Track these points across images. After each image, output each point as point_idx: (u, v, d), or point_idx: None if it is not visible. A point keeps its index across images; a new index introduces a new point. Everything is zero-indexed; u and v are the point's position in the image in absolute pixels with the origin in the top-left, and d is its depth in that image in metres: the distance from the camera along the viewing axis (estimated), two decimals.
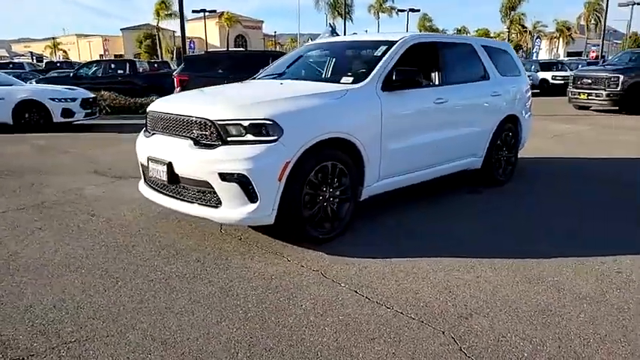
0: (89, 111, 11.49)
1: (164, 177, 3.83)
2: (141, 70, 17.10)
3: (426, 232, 4.29)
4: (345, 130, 3.93)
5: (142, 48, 62.80)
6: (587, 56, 50.19)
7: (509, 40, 65.14)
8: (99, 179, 6.25)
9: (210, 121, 3.61)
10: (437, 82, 4.97)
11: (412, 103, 4.56)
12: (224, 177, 3.52)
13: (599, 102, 14.53)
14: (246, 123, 3.54)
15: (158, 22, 53.31)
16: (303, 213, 3.75)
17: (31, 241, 4.04)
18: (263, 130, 3.53)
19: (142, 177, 4.46)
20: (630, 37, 68.22)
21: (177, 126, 3.86)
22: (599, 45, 42.29)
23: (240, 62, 11.50)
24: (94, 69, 16.83)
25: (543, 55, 64.97)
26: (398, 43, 4.64)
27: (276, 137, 3.52)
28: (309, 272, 3.42)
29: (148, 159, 4.01)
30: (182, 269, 3.48)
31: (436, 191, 5.47)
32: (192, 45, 39.84)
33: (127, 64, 16.33)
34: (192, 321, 2.79)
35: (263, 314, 2.85)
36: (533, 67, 25.58)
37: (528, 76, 21.06)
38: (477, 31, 71.31)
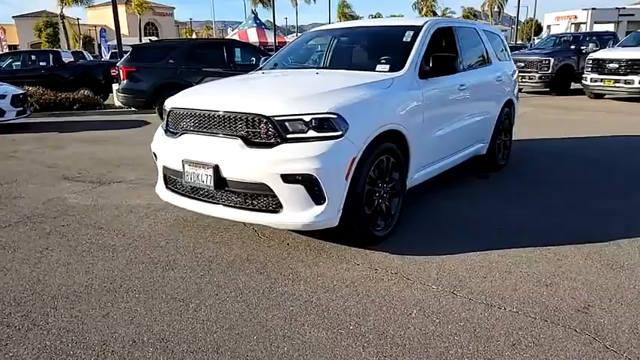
0: (21, 109, 10.25)
1: (209, 182, 3.41)
2: (67, 62, 15.58)
3: (470, 221, 4.21)
4: (398, 121, 3.73)
5: (43, 37, 57.51)
6: None
7: None
8: (76, 186, 5.55)
9: (266, 117, 3.25)
10: (458, 68, 4.88)
11: (444, 90, 4.44)
12: (287, 179, 3.19)
13: (532, 84, 15.40)
14: (308, 118, 3.22)
15: (62, 9, 49.01)
16: (366, 212, 3.52)
17: (46, 264, 3.45)
18: (328, 125, 3.23)
19: (163, 182, 3.96)
20: (527, 23, 73.40)
21: (218, 124, 3.44)
22: (506, 31, 45.12)
23: (193, 52, 10.79)
24: (9, 61, 15.07)
25: None
26: (424, 28, 4.48)
27: (341, 132, 3.24)
28: (390, 275, 3.20)
29: (184, 162, 3.55)
30: (249, 283, 3.12)
31: (447, 180, 5.41)
32: (103, 34, 36.97)
33: (51, 55, 14.76)
34: (305, 342, 2.48)
35: (381, 328, 2.60)
36: None
37: None
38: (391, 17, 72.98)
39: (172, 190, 3.88)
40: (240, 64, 11.07)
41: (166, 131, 3.87)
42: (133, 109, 11.57)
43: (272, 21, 32.29)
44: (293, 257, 3.49)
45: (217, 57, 10.68)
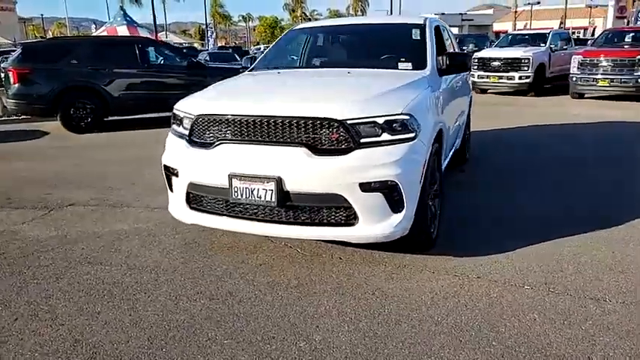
0: None
1: (269, 197, 2.97)
2: None
3: (489, 214, 4.25)
4: (442, 119, 3.63)
5: None
6: None
7: None
8: (18, 215, 4.57)
9: (338, 121, 2.92)
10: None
11: (450, 86, 4.44)
12: (365, 187, 2.90)
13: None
14: (381, 120, 2.96)
15: None
16: (428, 215, 3.36)
17: (69, 321, 2.73)
18: (402, 126, 3.00)
19: (185, 201, 3.38)
20: None
21: (275, 131, 3.01)
22: None
23: (100, 51, 9.56)
24: None
25: None
26: (427, 25, 4.42)
27: (415, 134, 3.03)
28: (476, 280, 3.08)
29: (231, 177, 3.04)
30: (343, 308, 2.77)
31: None
32: None
33: None
34: None
35: (521, 339, 2.45)
36: None
37: None
38: (260, 19, 73.12)
39: (201, 210, 3.33)
40: (157, 65, 10.15)
41: (191, 142, 3.30)
42: (23, 116, 9.97)
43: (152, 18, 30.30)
44: (360, 273, 3.19)
45: (129, 56, 9.62)
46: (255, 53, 27.76)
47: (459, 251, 3.47)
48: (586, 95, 13.09)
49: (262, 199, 2.99)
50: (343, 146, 2.93)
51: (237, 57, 23.76)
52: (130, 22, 30.34)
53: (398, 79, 3.56)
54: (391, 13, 36.95)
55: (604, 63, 12.47)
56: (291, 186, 2.94)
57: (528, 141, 7.66)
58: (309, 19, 68.33)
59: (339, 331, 2.55)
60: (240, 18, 78.28)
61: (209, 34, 47.15)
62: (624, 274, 3.13)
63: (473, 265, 3.27)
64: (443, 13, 67.96)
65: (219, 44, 51.02)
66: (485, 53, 15.12)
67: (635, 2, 50.15)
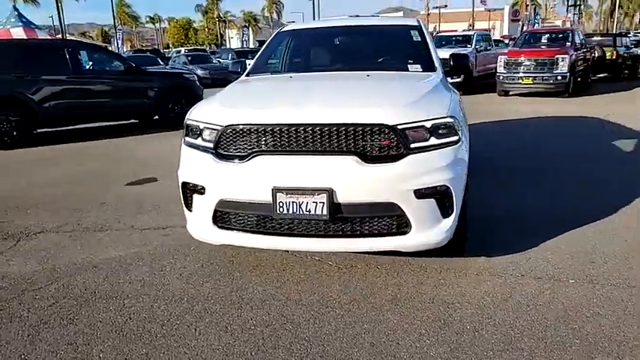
0: None
1: (320, 210, 2.78)
2: None
3: (498, 212, 4.33)
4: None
5: None
6: None
7: (208, 29, 67.02)
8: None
9: (389, 126, 2.80)
10: None
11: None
12: (420, 194, 2.81)
13: None
14: (429, 124, 2.88)
15: None
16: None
17: None
18: (448, 130, 2.94)
19: (212, 220, 3.09)
20: None
21: (321, 139, 2.82)
22: None
23: (24, 56, 8.62)
24: None
25: (235, 45, 69.20)
26: (423, 27, 4.44)
27: (458, 137, 2.99)
28: (521, 279, 3.09)
29: (276, 191, 2.82)
30: (427, 326, 2.65)
31: None
32: None
33: None
34: None
35: (596, 339, 2.48)
36: (230, 55, 25.01)
37: (227, 65, 21.08)
38: (175, 21, 70.63)
39: (232, 229, 3.06)
40: (91, 71, 9.36)
41: (219, 155, 3.01)
42: None
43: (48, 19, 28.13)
44: (408, 282, 3.10)
45: (58, 61, 8.77)
46: (176, 57, 26.66)
47: (487, 251, 3.47)
48: (511, 92, 13.95)
49: (312, 212, 2.80)
50: (394, 152, 2.82)
51: (160, 61, 22.69)
52: (27, 24, 28.15)
53: (421, 82, 3.52)
54: (315, 17, 37.21)
55: (527, 62, 13.36)
56: (342, 197, 2.77)
57: (509, 136, 8.02)
58: (224, 21, 67.06)
59: (423, 346, 2.44)
60: (148, 19, 75.07)
61: (118, 35, 44.73)
62: None
63: (509, 264, 3.29)
64: (357, 16, 70.04)
65: (126, 48, 48.56)
66: None
67: (527, 7, 54.72)
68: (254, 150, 2.92)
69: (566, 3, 49.29)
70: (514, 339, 2.47)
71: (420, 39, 4.25)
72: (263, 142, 2.90)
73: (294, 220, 2.87)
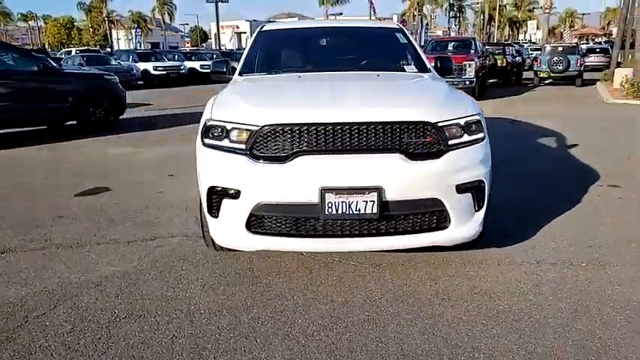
0: None
1: (371, 209, 2.77)
2: None
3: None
4: None
5: None
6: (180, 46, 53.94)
7: (93, 29, 62.51)
8: None
9: (431, 124, 2.87)
10: None
11: None
12: (461, 189, 2.93)
13: None
14: (463, 122, 3.00)
15: None
16: None
17: None
18: (477, 127, 3.08)
19: (245, 225, 2.92)
20: (193, 31, 77.13)
21: (365, 138, 2.80)
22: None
23: None
24: None
25: (123, 46, 65.38)
26: (405, 30, 4.58)
27: (484, 134, 3.14)
28: (541, 266, 3.31)
29: (324, 191, 2.74)
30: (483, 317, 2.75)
31: None
32: None
33: None
34: None
35: None
36: (131, 57, 24.07)
37: (129, 67, 20.42)
38: (54, 19, 64.98)
39: (269, 233, 2.92)
40: None
41: (255, 156, 2.86)
42: None
43: None
44: (439, 277, 3.18)
45: None
46: (68, 59, 24.58)
47: (496, 241, 3.66)
48: None
49: (362, 211, 2.78)
50: (434, 150, 2.89)
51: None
52: None
53: (434, 82, 3.64)
54: (217, 20, 36.27)
55: None
56: (390, 195, 2.79)
57: None
58: (112, 21, 63.01)
59: (493, 335, 2.53)
60: (20, 16, 68.32)
61: None
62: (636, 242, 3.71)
63: (521, 252, 3.52)
64: (255, 20, 69.63)
65: None
66: None
67: (415, 17, 58.31)
68: (296, 150, 2.82)
69: (447, 15, 53.42)
70: (568, 321, 2.65)
71: (406, 41, 4.39)
72: (306, 142, 2.81)
73: (342, 220, 2.82)
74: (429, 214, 2.92)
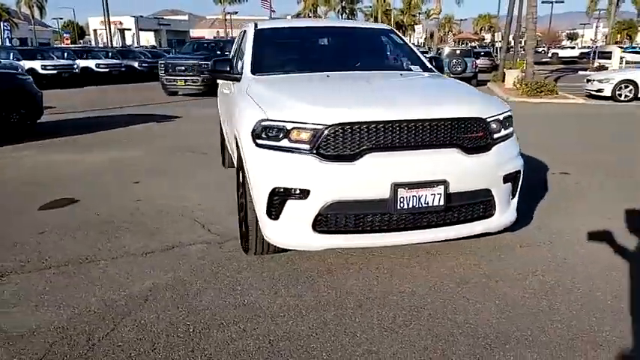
0: None
1: (437, 201, 2.93)
2: None
3: None
4: None
5: None
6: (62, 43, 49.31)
7: None
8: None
9: (482, 119, 3.11)
10: None
11: None
12: (506, 179, 3.20)
13: (196, 87, 16.10)
14: (501, 117, 3.27)
15: None
16: None
17: None
18: (509, 122, 3.36)
19: (313, 225, 2.92)
20: (67, 26, 71.23)
21: (428, 134, 2.95)
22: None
23: None
24: None
25: None
26: (394, 30, 4.79)
27: (513, 128, 3.44)
28: (558, 247, 3.69)
29: (396, 187, 2.84)
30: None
31: None
32: None
33: None
34: None
35: None
36: (12, 54, 21.66)
37: (13, 66, 19.19)
38: None
39: (337, 232, 2.95)
40: None
41: (322, 156, 2.86)
42: None
43: None
44: (481, 264, 3.42)
45: None
46: None
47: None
48: None
49: (430, 204, 2.92)
50: (484, 143, 3.12)
51: None
52: None
53: (452, 80, 3.90)
54: (105, 14, 33.71)
55: None
56: (453, 187, 2.97)
57: None
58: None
59: (561, 310, 2.80)
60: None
61: None
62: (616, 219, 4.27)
63: (529, 235, 3.89)
64: (141, 16, 66.07)
65: None
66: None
67: (309, 18, 59.09)
68: (364, 148, 2.88)
69: (340, 17, 55.13)
70: (620, 293, 3.00)
71: (401, 41, 4.58)
72: (374, 140, 2.88)
73: (412, 214, 2.93)
74: (481, 203, 3.15)
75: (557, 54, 48.64)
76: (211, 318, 2.73)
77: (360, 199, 2.88)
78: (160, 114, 11.86)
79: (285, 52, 4.48)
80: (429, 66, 4.33)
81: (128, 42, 62.71)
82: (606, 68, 26.26)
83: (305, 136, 2.89)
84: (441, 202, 2.93)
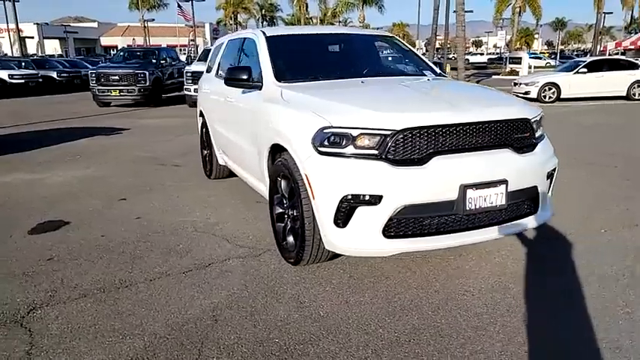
0: None
1: (501, 200, 3.04)
2: None
3: None
4: None
5: None
6: None
7: None
8: None
9: (529, 120, 3.28)
10: None
11: None
12: (548, 175, 3.39)
13: (132, 97, 15.34)
14: (538, 118, 3.45)
15: None
16: None
17: None
18: (542, 123, 3.57)
19: (383, 230, 2.92)
20: None
21: (487, 136, 3.05)
22: None
23: None
24: None
25: None
26: (396, 37, 4.91)
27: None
28: (595, 233, 4.05)
29: (465, 188, 2.90)
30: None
31: None
32: None
33: None
34: None
35: None
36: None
37: None
38: None
39: (407, 235, 2.96)
40: None
41: (391, 161, 2.87)
42: None
43: None
44: (518, 259, 3.59)
45: None
46: None
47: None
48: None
49: (494, 203, 3.02)
50: (530, 143, 3.29)
51: None
52: None
53: (477, 85, 4.02)
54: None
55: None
56: (511, 186, 3.09)
57: None
58: None
59: (612, 289, 3.02)
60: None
61: None
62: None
63: (570, 224, 4.16)
64: (46, 24, 61.48)
65: None
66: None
67: (229, 25, 58.47)
68: (430, 151, 2.92)
69: (261, 25, 55.05)
70: None
71: (407, 49, 4.70)
72: (440, 143, 2.94)
73: (479, 213, 3.02)
74: (530, 200, 3.31)
75: (468, 60, 51.86)
76: (298, 333, 2.64)
77: (430, 201, 2.91)
78: (102, 126, 11.19)
79: (303, 58, 4.40)
80: (438, 71, 4.48)
81: (31, 51, 58.22)
82: (517, 73, 28.50)
83: (372, 142, 2.88)
84: (503, 201, 3.04)
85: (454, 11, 18.90)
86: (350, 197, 2.87)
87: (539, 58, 51.11)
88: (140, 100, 15.47)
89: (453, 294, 3.05)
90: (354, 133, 2.90)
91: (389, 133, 2.87)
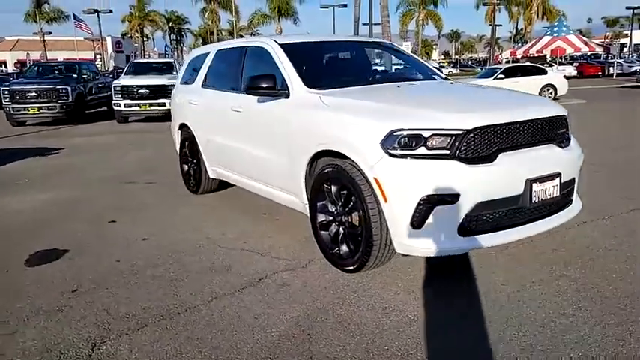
0: None
1: (557, 192, 3.23)
2: None
3: None
4: None
5: None
6: None
7: None
8: None
9: (565, 117, 3.52)
10: None
11: None
12: (580, 169, 3.65)
13: (53, 114, 14.14)
14: (565, 114, 3.70)
15: None
16: None
17: None
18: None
19: (458, 228, 2.98)
20: None
21: (539, 132, 3.24)
22: None
23: None
24: None
25: None
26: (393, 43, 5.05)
27: None
28: (626, 214, 4.38)
29: (531, 182, 3.04)
30: None
31: None
32: None
33: None
34: None
35: None
36: None
37: None
38: None
39: (477, 232, 3.03)
40: None
41: (464, 160, 2.94)
42: None
43: None
44: (568, 241, 3.81)
45: None
46: None
47: None
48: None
49: (552, 195, 3.20)
50: (566, 138, 3.53)
51: None
52: None
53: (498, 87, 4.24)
54: None
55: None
56: (562, 178, 3.29)
57: None
58: None
59: None
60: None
61: None
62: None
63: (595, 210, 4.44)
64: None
65: None
66: (128, 81, 14.46)
67: (135, 38, 55.91)
68: (496, 149, 3.04)
69: (168, 37, 53.40)
70: None
71: (408, 54, 4.83)
72: (503, 141, 3.07)
73: (541, 205, 3.18)
74: (569, 191, 3.53)
75: None
76: (402, 337, 2.60)
77: (501, 197, 3.02)
78: (31, 147, 10.19)
79: (324, 66, 4.37)
80: (444, 75, 4.66)
81: None
82: None
83: (444, 142, 2.94)
84: (558, 193, 3.23)
85: (376, 23, 19.82)
86: (428, 198, 2.90)
87: (443, 67, 54.59)
88: (62, 118, 14.29)
89: (526, 283, 3.16)
90: (426, 134, 2.93)
91: (460, 132, 2.94)
